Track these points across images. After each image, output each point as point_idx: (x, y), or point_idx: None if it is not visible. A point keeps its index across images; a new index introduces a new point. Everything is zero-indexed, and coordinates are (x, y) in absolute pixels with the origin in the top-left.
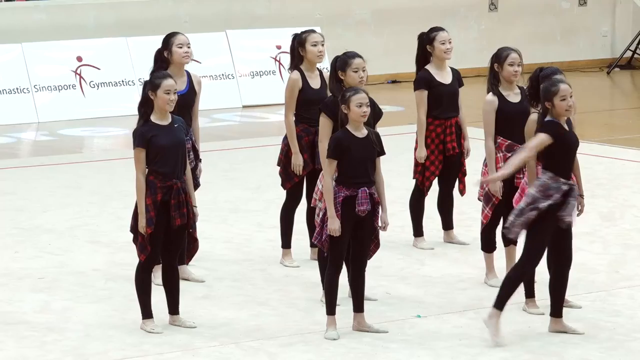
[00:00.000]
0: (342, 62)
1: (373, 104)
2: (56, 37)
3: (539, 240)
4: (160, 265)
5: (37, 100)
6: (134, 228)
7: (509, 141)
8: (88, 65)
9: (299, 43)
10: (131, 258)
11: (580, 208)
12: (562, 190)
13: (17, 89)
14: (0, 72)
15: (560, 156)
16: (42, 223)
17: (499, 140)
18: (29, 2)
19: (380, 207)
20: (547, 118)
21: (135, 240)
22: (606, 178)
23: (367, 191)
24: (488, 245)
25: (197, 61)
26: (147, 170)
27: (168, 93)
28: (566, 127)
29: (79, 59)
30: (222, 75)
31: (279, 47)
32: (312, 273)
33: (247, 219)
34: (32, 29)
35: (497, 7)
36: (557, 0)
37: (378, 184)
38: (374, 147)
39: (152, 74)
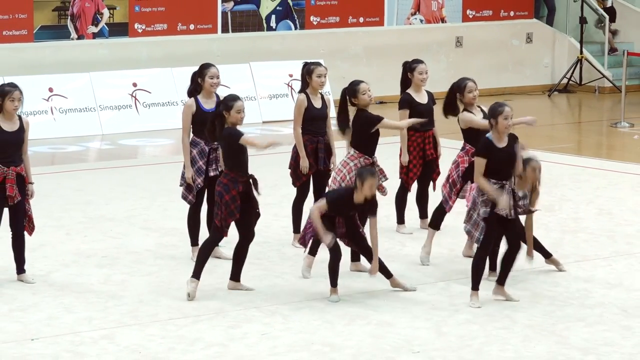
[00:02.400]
0: (351, 91)
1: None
2: (116, 68)
3: (486, 232)
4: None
5: (102, 117)
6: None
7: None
8: (141, 89)
9: (307, 72)
10: (175, 241)
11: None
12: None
13: (85, 108)
14: (73, 95)
15: (492, 165)
16: (105, 213)
17: (467, 147)
18: (95, 40)
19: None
20: (487, 135)
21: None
22: (547, 178)
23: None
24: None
25: (227, 86)
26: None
27: (239, 112)
28: (502, 144)
29: (134, 84)
30: (246, 97)
31: (291, 76)
32: (318, 253)
33: (266, 210)
34: (97, 61)
35: (462, 44)
36: (509, 38)
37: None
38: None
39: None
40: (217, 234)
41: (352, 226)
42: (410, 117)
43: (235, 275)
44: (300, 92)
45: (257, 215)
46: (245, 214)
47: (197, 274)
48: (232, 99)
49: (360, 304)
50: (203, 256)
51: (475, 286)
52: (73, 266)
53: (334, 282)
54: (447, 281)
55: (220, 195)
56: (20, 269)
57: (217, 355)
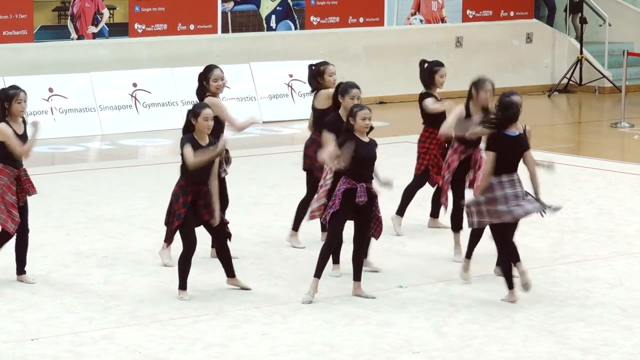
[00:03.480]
0: (342, 89)
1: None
2: (116, 68)
3: (499, 233)
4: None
5: (102, 117)
6: (167, 222)
7: (463, 146)
8: (141, 89)
9: (317, 73)
10: (175, 242)
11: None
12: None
13: (85, 108)
14: (73, 95)
15: (499, 159)
16: (105, 213)
17: (455, 145)
18: (95, 40)
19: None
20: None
21: (171, 228)
22: (547, 178)
23: (365, 186)
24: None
25: (227, 87)
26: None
27: (206, 120)
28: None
29: (135, 84)
30: (246, 97)
31: (291, 76)
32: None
33: (266, 210)
34: (97, 61)
35: (462, 44)
36: (509, 38)
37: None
38: (375, 151)
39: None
40: (184, 242)
41: (369, 213)
42: (425, 118)
43: (228, 272)
44: (314, 90)
45: (214, 223)
46: (201, 219)
47: (183, 286)
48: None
49: (360, 304)
50: (183, 268)
51: (509, 285)
52: (73, 266)
53: (318, 272)
54: (447, 281)
55: (171, 203)
56: (21, 270)
57: (217, 355)
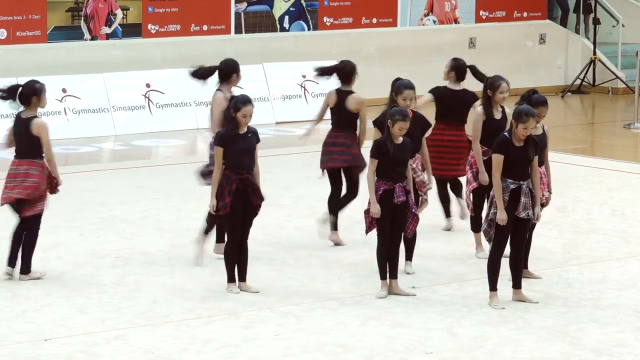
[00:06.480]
0: (397, 88)
1: (420, 118)
2: (130, 69)
3: (500, 233)
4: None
5: (115, 118)
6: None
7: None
8: (155, 90)
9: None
10: (188, 241)
11: (543, 202)
12: (509, 189)
13: (99, 109)
14: (86, 96)
15: (506, 164)
16: (118, 214)
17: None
18: (108, 41)
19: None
20: (504, 134)
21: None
22: (561, 179)
23: (402, 185)
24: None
25: (240, 87)
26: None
27: (245, 116)
28: (519, 143)
29: (148, 85)
30: (260, 98)
31: (304, 77)
32: (331, 254)
33: (279, 211)
34: (110, 62)
35: (475, 45)
36: (522, 39)
37: (408, 178)
38: (407, 151)
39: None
40: (229, 233)
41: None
42: (437, 107)
43: (241, 276)
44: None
45: (253, 211)
46: (241, 213)
47: (231, 278)
48: (243, 101)
49: (373, 305)
50: (229, 259)
51: (492, 286)
52: (86, 267)
53: (382, 274)
54: (460, 282)
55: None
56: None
57: (230, 355)
